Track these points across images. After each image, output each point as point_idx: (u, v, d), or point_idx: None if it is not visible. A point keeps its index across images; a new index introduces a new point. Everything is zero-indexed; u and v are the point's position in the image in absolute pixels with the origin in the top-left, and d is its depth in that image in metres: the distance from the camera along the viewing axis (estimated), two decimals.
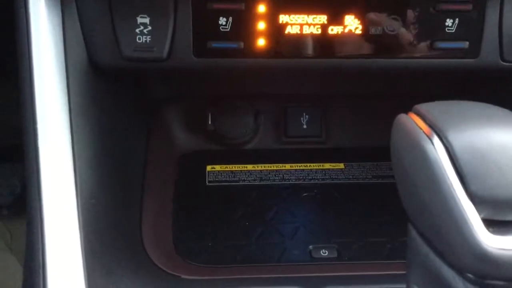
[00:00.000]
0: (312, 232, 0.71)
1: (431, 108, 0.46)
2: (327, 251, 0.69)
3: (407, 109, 0.84)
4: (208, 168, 0.82)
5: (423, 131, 0.44)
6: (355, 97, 0.85)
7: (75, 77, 0.56)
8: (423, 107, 0.48)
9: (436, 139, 0.42)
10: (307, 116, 0.85)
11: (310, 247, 0.69)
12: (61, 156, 0.55)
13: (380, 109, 0.86)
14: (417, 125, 0.45)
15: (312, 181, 0.80)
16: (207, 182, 0.79)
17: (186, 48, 0.58)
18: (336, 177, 0.81)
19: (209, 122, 0.82)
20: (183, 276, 0.61)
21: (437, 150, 0.41)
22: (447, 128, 0.42)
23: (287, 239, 0.70)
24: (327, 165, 0.83)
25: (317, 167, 0.83)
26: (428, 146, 0.42)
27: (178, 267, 0.63)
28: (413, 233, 0.47)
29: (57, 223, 0.53)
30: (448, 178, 0.40)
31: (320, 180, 0.80)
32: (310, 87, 0.83)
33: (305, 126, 0.85)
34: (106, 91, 0.65)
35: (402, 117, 0.48)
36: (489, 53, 0.60)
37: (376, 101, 0.85)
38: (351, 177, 0.81)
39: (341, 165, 0.83)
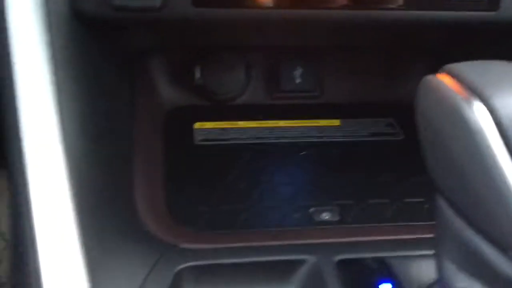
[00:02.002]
0: (312, 194, 0.68)
1: (467, 68, 0.42)
2: (328, 214, 0.66)
3: (409, 63, 0.81)
4: (197, 125, 0.76)
5: (461, 96, 0.40)
6: (351, 49, 0.81)
7: (58, 29, 0.49)
8: (456, 67, 0.44)
9: (477, 105, 0.38)
10: (300, 70, 0.80)
11: (311, 209, 0.66)
12: (46, 117, 0.49)
13: (378, 62, 0.82)
14: (452, 88, 0.41)
15: (308, 139, 0.76)
16: (197, 141, 0.74)
17: None
18: (333, 134, 0.77)
19: (198, 76, 0.76)
20: (181, 246, 0.57)
21: (480, 117, 0.37)
22: (491, 92, 0.38)
23: (286, 202, 0.66)
24: (322, 122, 0.79)
25: (312, 124, 0.78)
26: (469, 112, 0.38)
27: (176, 236, 0.59)
28: (443, 205, 0.43)
29: (46, 192, 0.48)
30: (494, 148, 0.36)
31: (316, 138, 0.76)
32: (305, 39, 0.78)
33: (298, 80, 0.80)
34: (90, 42, 0.58)
35: (432, 79, 0.44)
36: (510, 5, 0.56)
37: (374, 53, 0.81)
38: (347, 134, 0.77)
39: (337, 122, 0.79)
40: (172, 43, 0.74)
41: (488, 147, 0.36)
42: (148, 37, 0.72)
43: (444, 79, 0.43)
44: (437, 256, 0.44)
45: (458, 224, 0.41)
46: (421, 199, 0.67)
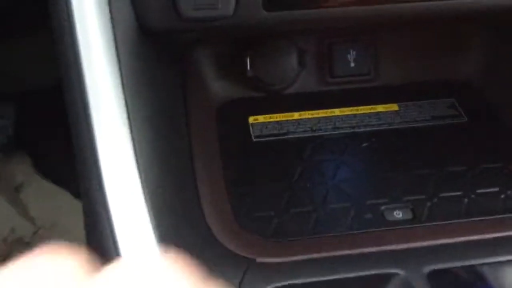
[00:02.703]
0: (379, 190, 0.65)
1: None
2: (401, 212, 0.63)
3: (467, 39, 0.77)
4: (251, 119, 0.73)
5: None
6: (406, 27, 0.76)
7: (125, 50, 0.45)
8: None
9: None
10: (354, 53, 0.76)
11: (382, 208, 0.63)
12: (121, 143, 0.46)
13: (434, 39, 0.78)
14: None
15: (367, 128, 0.72)
16: (253, 138, 0.71)
17: (254, 2, 0.48)
18: (392, 121, 0.73)
19: (248, 67, 0.72)
20: (259, 260, 0.55)
21: None
22: None
23: (354, 201, 0.64)
24: (379, 107, 0.75)
25: (369, 110, 0.75)
26: None
27: (250, 247, 0.56)
28: None
29: (126, 216, 0.45)
30: None
31: (376, 126, 0.73)
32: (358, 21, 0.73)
33: (352, 64, 0.76)
34: (149, 48, 0.54)
35: None
36: None
37: (430, 30, 0.76)
38: (407, 119, 0.74)
39: (395, 106, 0.75)
40: (220, 37, 0.70)
41: None
42: (197, 35, 0.68)
43: None
44: None
45: None
46: (496, 189, 0.65)
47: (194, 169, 0.62)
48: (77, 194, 1.16)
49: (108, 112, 0.45)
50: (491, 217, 0.61)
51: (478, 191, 0.65)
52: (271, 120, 0.73)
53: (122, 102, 0.45)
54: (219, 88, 0.74)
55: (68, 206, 1.31)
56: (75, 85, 0.43)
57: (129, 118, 0.46)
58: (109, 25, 0.44)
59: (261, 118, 0.73)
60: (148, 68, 0.52)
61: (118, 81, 0.45)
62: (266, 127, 0.72)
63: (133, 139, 0.47)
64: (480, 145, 0.70)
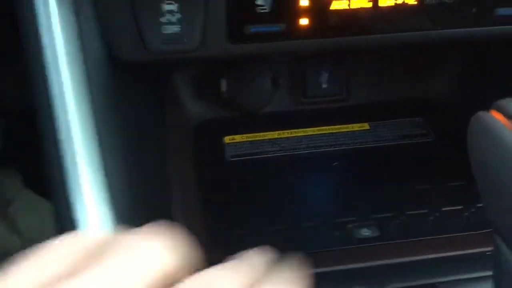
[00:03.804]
0: (348, 208, 0.68)
1: None
2: (368, 230, 0.66)
3: (435, 60, 0.79)
4: (227, 139, 0.75)
5: None
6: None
7: (96, 76, 0.48)
8: (506, 104, 0.43)
9: None
10: (326, 74, 0.79)
11: (349, 226, 0.66)
12: (92, 169, 0.48)
13: (403, 61, 0.80)
14: (506, 126, 0.41)
15: (338, 147, 0.75)
16: (229, 158, 0.73)
17: (220, 35, 0.50)
18: (363, 140, 0.76)
19: (223, 89, 0.75)
20: None
21: None
22: None
23: (324, 219, 0.66)
24: (351, 127, 0.78)
25: (341, 130, 0.78)
26: None
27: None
28: (502, 246, 0.43)
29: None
30: None
31: (347, 144, 0.75)
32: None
33: (324, 85, 0.79)
34: (122, 75, 0.57)
35: (485, 117, 0.43)
36: None
37: (399, 52, 0.79)
38: (378, 138, 0.76)
39: (366, 125, 0.78)
40: (196, 61, 0.73)
41: None
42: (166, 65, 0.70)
43: (499, 118, 0.42)
44: None
45: None
46: (460, 207, 0.67)
47: (169, 187, 0.65)
48: None
49: (77, 133, 0.47)
50: (455, 234, 0.64)
51: (443, 209, 0.67)
52: (247, 139, 0.76)
53: (93, 127, 0.47)
54: (196, 108, 0.76)
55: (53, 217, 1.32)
56: (44, 109, 0.45)
57: (101, 146, 0.48)
58: (79, 56, 0.46)
59: (237, 138, 0.76)
60: (122, 94, 0.55)
61: (89, 110, 0.47)
62: (242, 147, 0.75)
63: (105, 160, 0.49)
64: (446, 164, 0.73)
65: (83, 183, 0.48)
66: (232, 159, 0.73)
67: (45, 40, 0.46)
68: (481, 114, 0.44)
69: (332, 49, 0.56)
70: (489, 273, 0.55)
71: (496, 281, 0.44)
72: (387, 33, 0.54)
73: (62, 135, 0.47)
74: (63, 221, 0.49)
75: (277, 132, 0.77)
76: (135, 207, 0.55)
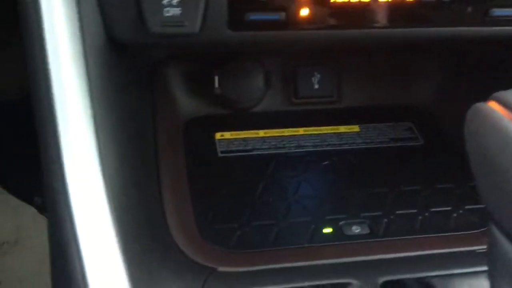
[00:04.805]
0: (339, 206, 0.68)
1: None
2: (359, 227, 0.66)
3: (426, 66, 0.81)
4: (217, 135, 0.75)
5: None
6: (368, 53, 0.80)
7: (94, 61, 0.47)
8: (505, 95, 0.44)
9: None
10: (318, 75, 0.79)
11: (341, 223, 0.66)
12: (86, 150, 0.47)
13: (395, 65, 0.81)
14: (505, 116, 0.41)
15: (328, 147, 0.75)
16: (219, 153, 0.73)
17: (220, 21, 0.50)
18: (353, 141, 0.76)
19: (216, 85, 0.75)
20: (220, 269, 0.56)
21: None
22: None
23: (314, 215, 0.66)
24: (341, 128, 0.78)
25: (331, 131, 0.78)
26: None
27: (212, 257, 0.58)
28: (498, 236, 0.43)
29: (91, 227, 0.46)
30: None
31: (337, 146, 0.76)
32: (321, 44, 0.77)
33: (316, 86, 0.79)
34: (117, 60, 0.56)
35: (483, 108, 0.44)
36: None
37: (391, 56, 0.80)
38: (368, 141, 0.77)
39: (356, 128, 0.79)
40: (189, 54, 0.73)
41: None
42: (165, 50, 0.70)
43: (497, 109, 0.42)
44: (491, 285, 0.44)
45: None
46: (448, 208, 0.68)
47: (159, 180, 0.64)
48: (41, 209, 1.16)
49: (74, 118, 0.47)
50: (443, 234, 0.64)
51: (432, 209, 0.68)
52: (237, 137, 0.75)
53: (89, 109, 0.47)
54: (187, 104, 0.76)
55: (31, 221, 1.30)
56: (43, 91, 0.45)
57: (95, 126, 0.47)
58: (78, 34, 0.45)
59: (227, 135, 0.76)
60: (116, 78, 0.54)
61: (85, 88, 0.46)
62: (232, 143, 0.74)
63: (99, 147, 0.48)
64: (434, 167, 0.74)
65: (78, 164, 0.47)
66: (222, 155, 0.73)
67: (45, 23, 0.46)
68: (479, 105, 0.44)
69: (329, 42, 0.56)
70: (480, 268, 0.56)
71: (493, 276, 0.44)
72: (385, 28, 0.54)
73: (60, 119, 0.47)
74: (60, 213, 0.48)
75: (267, 130, 0.77)
76: (127, 194, 0.54)
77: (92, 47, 0.47)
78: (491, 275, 0.44)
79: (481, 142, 0.43)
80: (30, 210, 1.28)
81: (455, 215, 0.67)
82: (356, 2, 0.53)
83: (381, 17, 0.54)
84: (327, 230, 0.65)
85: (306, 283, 0.53)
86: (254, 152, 0.74)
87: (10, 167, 1.25)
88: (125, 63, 0.61)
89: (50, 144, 0.47)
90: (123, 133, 0.56)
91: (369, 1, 0.53)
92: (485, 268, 0.55)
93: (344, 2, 0.53)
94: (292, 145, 0.75)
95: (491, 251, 0.44)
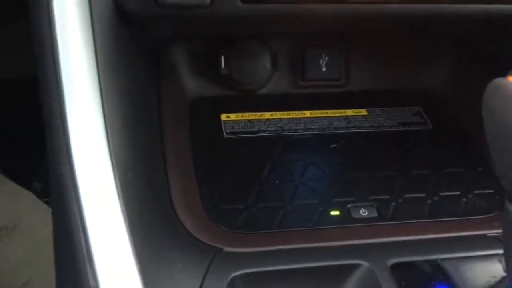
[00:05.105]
0: (346, 189, 0.66)
1: None
2: (366, 210, 0.64)
3: (435, 50, 0.79)
4: (223, 117, 0.74)
5: None
6: (378, 36, 0.78)
7: (101, 30, 0.46)
8: None
9: None
10: (326, 58, 0.78)
11: (348, 206, 0.65)
12: (92, 125, 0.46)
13: (404, 49, 0.80)
14: None
15: (336, 130, 0.74)
16: (224, 134, 0.71)
17: None
18: (361, 125, 0.75)
19: (222, 66, 0.73)
20: (226, 249, 0.55)
21: None
22: None
23: (321, 198, 0.65)
24: (349, 112, 0.77)
25: (339, 114, 0.77)
26: None
27: (218, 238, 0.57)
28: None
29: (98, 207, 0.45)
30: None
31: (345, 128, 0.74)
32: (331, 26, 0.75)
33: (324, 69, 0.78)
34: (125, 34, 0.55)
35: (503, 83, 0.43)
36: None
37: (400, 40, 0.79)
38: (375, 124, 0.76)
39: (364, 111, 0.77)
40: (195, 32, 0.71)
41: None
42: (172, 26, 0.69)
43: None
44: (506, 263, 0.43)
45: None
46: (457, 193, 0.67)
47: (165, 159, 0.63)
48: (39, 194, 1.14)
49: (81, 90, 0.45)
50: (453, 219, 0.63)
51: (441, 194, 0.67)
52: (243, 118, 0.74)
53: (96, 80, 0.45)
54: (193, 84, 0.75)
55: (30, 206, 1.29)
56: (49, 62, 0.44)
57: (101, 98, 0.46)
58: (86, 3, 0.44)
59: (233, 116, 0.74)
60: (124, 49, 0.53)
61: (92, 58, 0.45)
62: (238, 125, 0.73)
63: (105, 121, 0.47)
64: (443, 152, 0.72)
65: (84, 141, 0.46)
66: (228, 136, 0.71)
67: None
68: (499, 80, 0.43)
69: (338, 17, 0.55)
70: (492, 252, 0.55)
71: (509, 255, 0.43)
72: (397, 3, 0.53)
73: (64, 88, 0.45)
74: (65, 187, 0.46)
75: (273, 112, 0.75)
76: (139, 181, 0.53)
77: (99, 15, 0.46)
78: (506, 246, 0.43)
79: (501, 117, 0.42)
80: (30, 196, 1.27)
81: (464, 200, 0.66)
82: None
83: None
84: (335, 212, 0.64)
85: (315, 264, 0.52)
86: (260, 134, 0.72)
87: (9, 151, 1.24)
88: (132, 36, 0.59)
89: (55, 112, 0.45)
90: (129, 107, 0.55)
91: None
92: (497, 251, 0.55)
93: None
94: (299, 127, 0.74)
95: (506, 230, 0.43)
